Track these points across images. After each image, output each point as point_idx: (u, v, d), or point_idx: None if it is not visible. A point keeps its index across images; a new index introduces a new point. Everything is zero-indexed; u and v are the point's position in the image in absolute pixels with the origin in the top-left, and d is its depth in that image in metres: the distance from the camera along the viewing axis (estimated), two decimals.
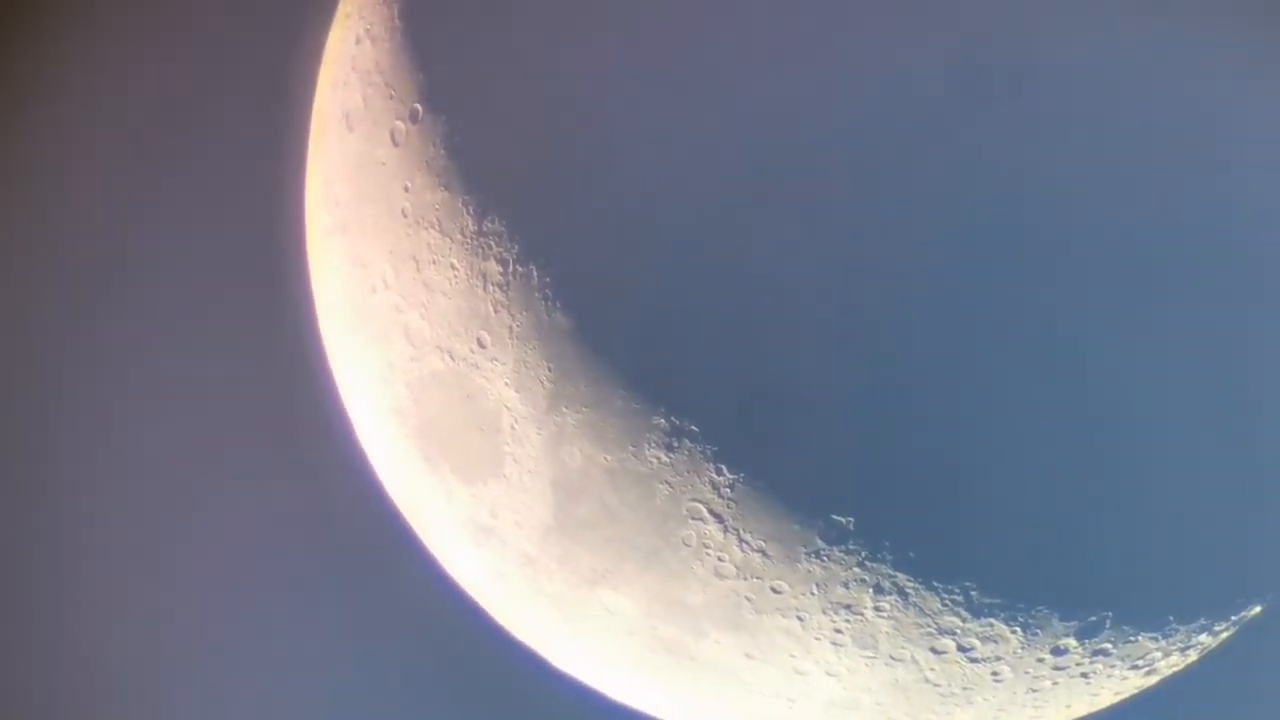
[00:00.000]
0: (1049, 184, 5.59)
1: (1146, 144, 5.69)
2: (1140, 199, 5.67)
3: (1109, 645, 6.45)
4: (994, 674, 6.48)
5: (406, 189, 6.34)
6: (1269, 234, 5.88)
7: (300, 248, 7.53)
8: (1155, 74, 5.73)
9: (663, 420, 5.86)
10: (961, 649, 6.31)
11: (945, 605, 6.11)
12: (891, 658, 6.34)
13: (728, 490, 5.93)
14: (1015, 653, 6.35)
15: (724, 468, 5.88)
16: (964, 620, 6.17)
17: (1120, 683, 6.89)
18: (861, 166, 5.55)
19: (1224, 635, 6.93)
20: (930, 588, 6.05)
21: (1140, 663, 6.72)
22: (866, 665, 6.39)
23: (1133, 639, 6.48)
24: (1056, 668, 6.52)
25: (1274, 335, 5.92)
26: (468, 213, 6.11)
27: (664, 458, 5.94)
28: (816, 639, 6.28)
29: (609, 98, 5.76)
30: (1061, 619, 6.25)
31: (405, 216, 6.36)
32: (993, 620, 6.18)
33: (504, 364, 6.13)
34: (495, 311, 6.10)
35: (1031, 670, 6.50)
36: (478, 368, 6.23)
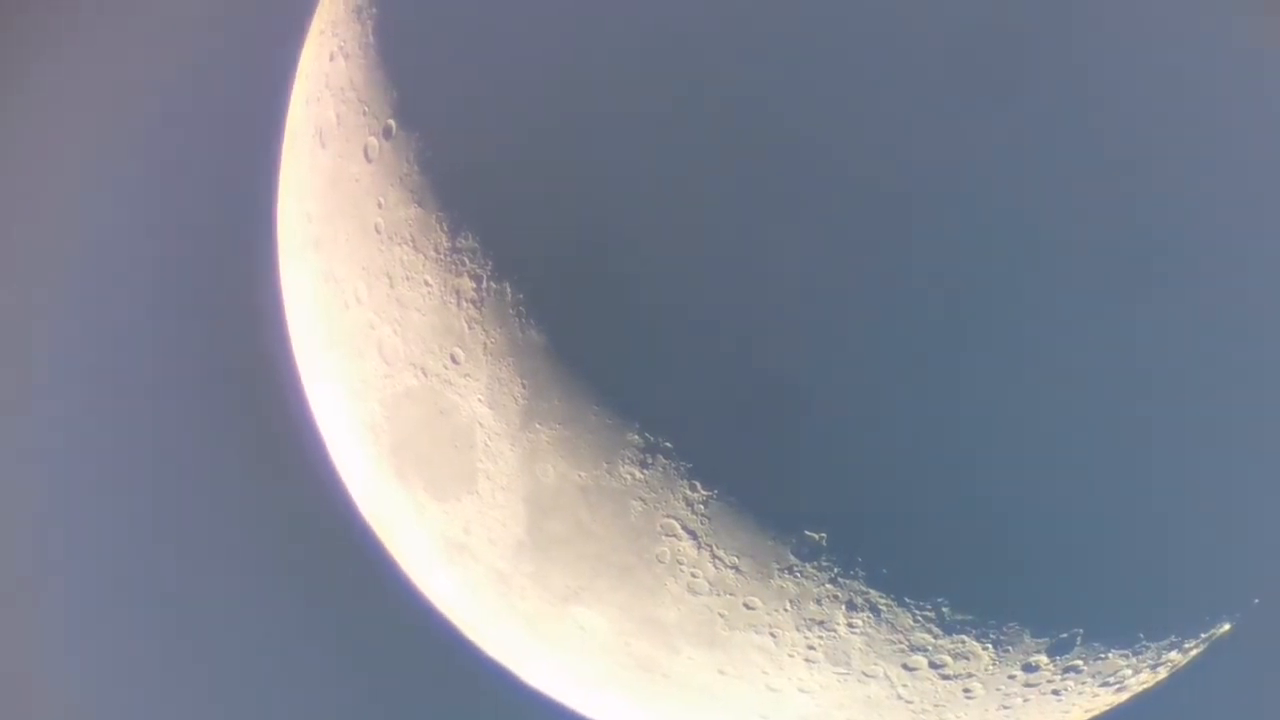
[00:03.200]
0: (1046, 183, 5.63)
1: (1149, 140, 5.75)
2: (1137, 201, 5.72)
3: (1080, 662, 6.47)
4: (966, 691, 6.49)
5: (380, 205, 6.33)
6: (1264, 234, 5.95)
7: (272, 263, 7.51)
8: (1157, 67, 5.79)
9: (637, 436, 5.86)
10: (933, 666, 6.31)
11: (917, 622, 6.11)
12: (864, 674, 6.34)
13: (701, 507, 5.93)
14: (987, 669, 6.36)
15: (698, 484, 5.88)
16: (936, 637, 6.18)
17: (1091, 699, 6.91)
18: (854, 174, 5.58)
19: (1193, 653, 6.96)
20: (903, 604, 6.06)
21: (1111, 680, 6.73)
22: (839, 682, 6.38)
23: (1103, 656, 6.50)
24: (1028, 684, 6.53)
25: (1252, 356, 5.97)
26: (441, 229, 6.11)
27: (638, 474, 5.93)
28: (790, 655, 6.28)
29: (584, 113, 5.77)
30: (1033, 635, 6.26)
31: (378, 233, 6.35)
32: (964, 637, 6.19)
33: (477, 380, 6.12)
34: (469, 328, 6.09)
35: (1003, 687, 6.51)
36: (451, 384, 6.22)
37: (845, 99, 5.61)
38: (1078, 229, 5.67)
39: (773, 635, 6.22)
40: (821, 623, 6.15)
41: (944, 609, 6.07)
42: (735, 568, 6.05)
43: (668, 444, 5.84)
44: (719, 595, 6.14)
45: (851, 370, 5.63)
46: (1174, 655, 6.81)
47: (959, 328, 5.60)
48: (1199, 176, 5.85)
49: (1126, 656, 6.58)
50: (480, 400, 6.14)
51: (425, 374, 6.30)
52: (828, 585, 6.02)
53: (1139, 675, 6.84)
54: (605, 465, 5.96)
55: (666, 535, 6.05)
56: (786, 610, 6.13)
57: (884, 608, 6.07)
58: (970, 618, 6.12)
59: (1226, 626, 6.88)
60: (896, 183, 5.57)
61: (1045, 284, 5.64)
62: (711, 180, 5.60)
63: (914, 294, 5.56)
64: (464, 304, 6.08)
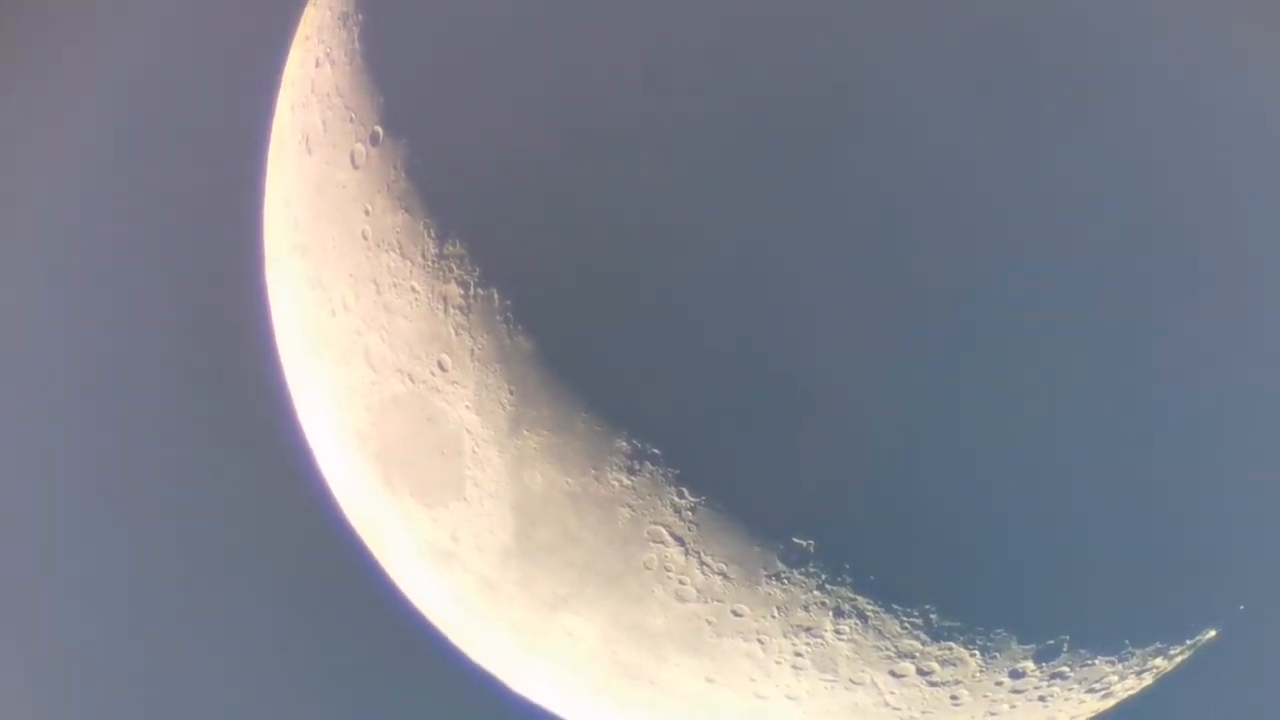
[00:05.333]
0: (1051, 184, 5.65)
1: (1155, 142, 5.78)
2: (1138, 204, 5.74)
3: (1066, 668, 6.48)
4: (953, 697, 6.49)
5: (367, 212, 6.33)
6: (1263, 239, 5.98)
7: (259, 269, 7.49)
8: (1159, 66, 5.82)
9: (625, 443, 5.86)
10: (921, 672, 6.32)
11: (905, 628, 6.12)
12: (851, 681, 6.34)
13: (689, 513, 5.92)
14: (974, 676, 6.37)
15: (686, 490, 5.88)
16: (923, 643, 6.18)
17: (1077, 706, 6.92)
18: (848, 179, 5.59)
19: (1179, 659, 6.98)
20: (890, 611, 6.06)
21: (1097, 686, 6.75)
22: (826, 688, 6.38)
23: (1090, 662, 6.51)
24: (1014, 691, 6.54)
25: (1242, 364, 5.99)
26: (429, 236, 6.10)
27: (626, 481, 5.93)
28: (777, 662, 6.28)
29: (572, 118, 5.77)
30: (1020, 642, 6.27)
31: (365, 239, 6.34)
32: (952, 643, 6.20)
33: (465, 387, 6.11)
34: (456, 334, 6.09)
35: (990, 694, 6.51)
36: (438, 391, 6.21)
37: (841, 97, 5.62)
38: (1076, 231, 5.69)
39: (760, 642, 6.22)
40: (809, 629, 6.15)
41: (931, 615, 6.08)
42: (723, 574, 6.04)
43: (655, 450, 5.84)
44: (707, 602, 6.14)
45: (841, 377, 5.63)
46: (1160, 662, 6.82)
47: (951, 334, 5.61)
48: (1204, 178, 5.87)
49: (1113, 663, 6.59)
50: (468, 407, 6.13)
51: (413, 381, 6.29)
52: (815, 592, 6.03)
53: (1125, 682, 6.85)
54: (593, 472, 5.96)
55: (654, 542, 6.04)
56: (774, 617, 6.13)
57: (871, 614, 6.07)
58: (958, 624, 6.13)
59: (1212, 633, 6.90)
60: (891, 186, 5.59)
61: (1040, 289, 5.65)
62: (701, 186, 5.61)
63: (906, 300, 5.57)
64: (451, 310, 6.08)
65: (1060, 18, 5.75)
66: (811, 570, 5.97)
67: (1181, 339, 5.86)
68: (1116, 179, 5.72)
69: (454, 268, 6.04)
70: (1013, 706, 6.66)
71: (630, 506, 5.98)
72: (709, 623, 6.20)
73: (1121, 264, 5.74)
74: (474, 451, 6.19)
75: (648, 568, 6.11)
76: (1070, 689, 6.66)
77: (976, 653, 6.25)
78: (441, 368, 6.17)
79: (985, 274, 5.62)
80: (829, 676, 6.32)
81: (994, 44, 5.65)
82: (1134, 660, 6.65)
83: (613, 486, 5.96)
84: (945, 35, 5.64)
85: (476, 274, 5.99)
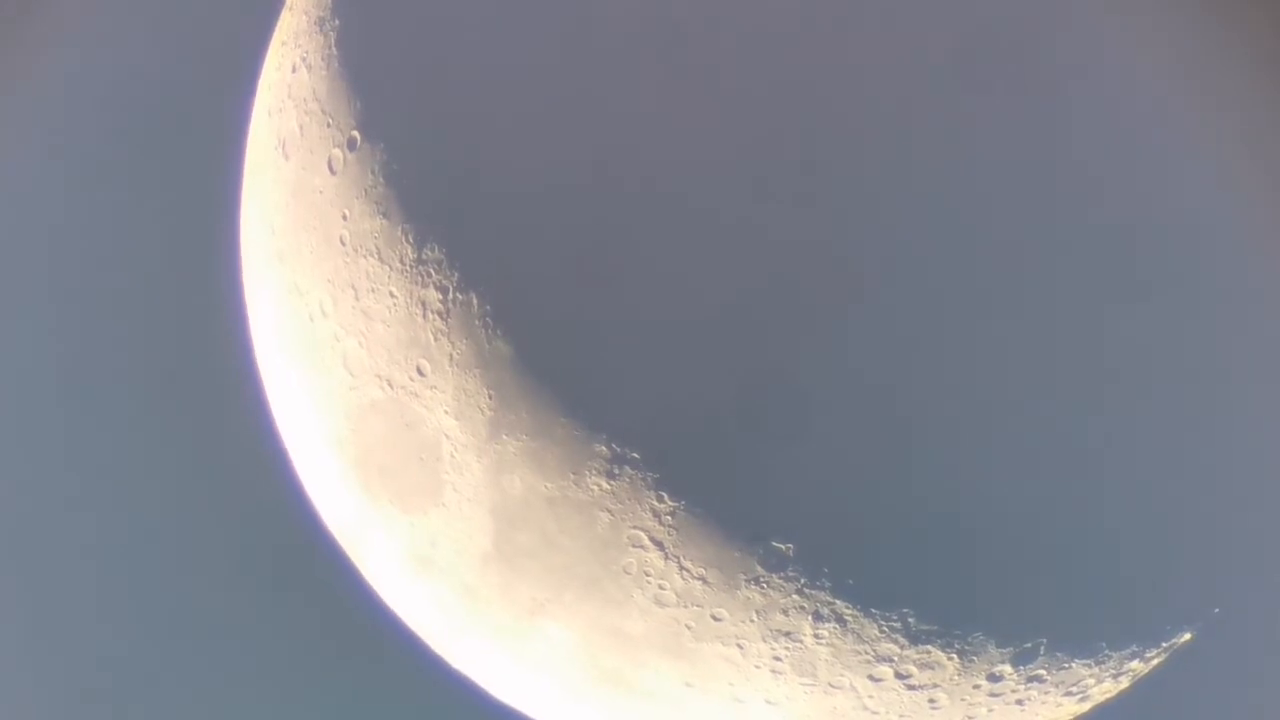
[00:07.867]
0: (1038, 183, 5.67)
1: (1150, 138, 5.81)
2: (1120, 208, 5.77)
3: (1043, 672, 6.50)
4: (931, 701, 6.50)
5: (345, 217, 6.31)
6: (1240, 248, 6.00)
7: (236, 276, 7.47)
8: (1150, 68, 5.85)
9: (604, 448, 5.86)
10: (899, 676, 6.33)
11: (883, 632, 6.13)
12: (830, 685, 6.35)
13: (668, 518, 5.93)
14: (952, 679, 6.38)
15: (665, 495, 5.88)
16: (902, 647, 6.19)
17: (1055, 709, 6.94)
18: (838, 182, 5.59)
19: (1155, 662, 7.00)
20: (869, 615, 6.08)
21: (1074, 689, 6.77)
22: (805, 693, 6.39)
23: (1067, 665, 6.53)
24: (992, 694, 6.55)
25: (1216, 366, 6.02)
26: (407, 240, 6.09)
27: (605, 485, 5.93)
28: (756, 667, 6.28)
29: (551, 122, 5.77)
30: (997, 645, 6.29)
31: (343, 244, 6.33)
32: (930, 647, 6.21)
33: (444, 392, 6.11)
34: (435, 339, 6.08)
35: (968, 697, 6.53)
36: (417, 396, 6.20)
37: (828, 96, 5.64)
38: (1070, 234, 5.71)
39: (739, 646, 6.22)
40: (788, 634, 6.15)
41: (910, 619, 6.09)
42: (702, 579, 6.05)
43: (635, 455, 5.84)
44: (686, 607, 6.14)
45: (821, 381, 5.65)
46: (1136, 664, 6.85)
47: (931, 338, 5.62)
48: (1188, 180, 5.91)
49: (1089, 666, 6.61)
50: (447, 412, 6.12)
51: (391, 386, 6.27)
52: (794, 596, 6.03)
53: (1101, 684, 6.87)
54: (572, 476, 5.96)
55: (634, 546, 6.04)
56: (753, 621, 6.13)
57: (850, 618, 6.08)
58: (936, 628, 6.14)
59: (1187, 636, 6.92)
60: (876, 190, 5.60)
61: (1020, 296, 5.67)
62: (680, 190, 5.61)
63: (885, 305, 5.59)
64: (430, 315, 6.07)
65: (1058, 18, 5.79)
66: (790, 574, 5.98)
67: (1165, 348, 5.89)
68: (1109, 182, 5.75)
69: (432, 273, 6.03)
70: (990, 710, 6.67)
71: (609, 511, 5.98)
72: (688, 627, 6.20)
73: (1101, 269, 5.77)
74: (453, 457, 6.18)
75: (627, 572, 6.11)
76: (1047, 692, 6.68)
77: (954, 656, 6.27)
78: (420, 373, 6.16)
79: (963, 281, 5.64)
80: (808, 680, 6.33)
81: (994, 41, 5.67)
82: (1110, 663, 6.68)
83: (592, 491, 5.96)
84: (945, 32, 5.66)
85: (455, 279, 5.98)
